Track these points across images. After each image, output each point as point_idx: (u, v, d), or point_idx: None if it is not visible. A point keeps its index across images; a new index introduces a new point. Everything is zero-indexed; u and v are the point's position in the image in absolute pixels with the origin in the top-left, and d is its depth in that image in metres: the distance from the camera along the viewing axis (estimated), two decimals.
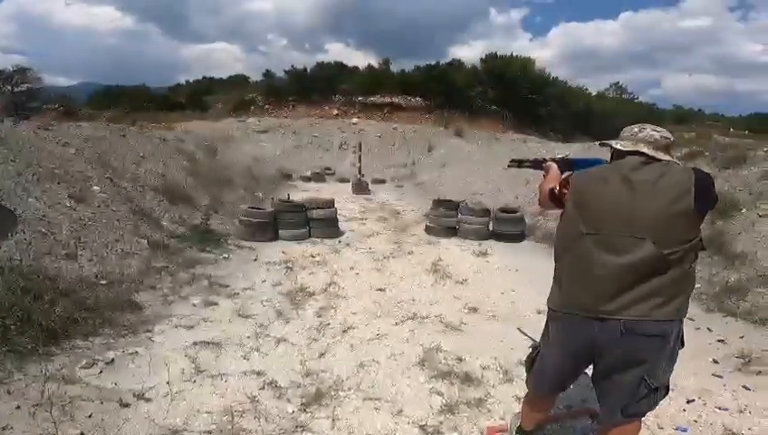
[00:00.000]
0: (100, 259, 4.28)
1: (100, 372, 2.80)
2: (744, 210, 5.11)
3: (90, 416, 2.37)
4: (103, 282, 3.93)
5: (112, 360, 2.93)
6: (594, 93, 28.07)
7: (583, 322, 1.77)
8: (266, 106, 20.86)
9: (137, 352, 3.08)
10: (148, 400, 2.58)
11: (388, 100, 20.38)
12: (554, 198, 1.97)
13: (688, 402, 2.75)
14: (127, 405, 2.51)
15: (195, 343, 3.28)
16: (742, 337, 3.66)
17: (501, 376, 3.04)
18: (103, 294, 3.69)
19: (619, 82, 30.75)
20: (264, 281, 4.77)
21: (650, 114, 26.29)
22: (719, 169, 5.97)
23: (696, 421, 2.59)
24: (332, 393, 2.77)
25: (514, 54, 23.60)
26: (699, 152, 6.63)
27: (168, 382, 2.73)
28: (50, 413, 2.24)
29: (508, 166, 2.75)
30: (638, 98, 31.81)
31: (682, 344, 1.78)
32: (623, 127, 1.97)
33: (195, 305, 3.98)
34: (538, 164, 2.36)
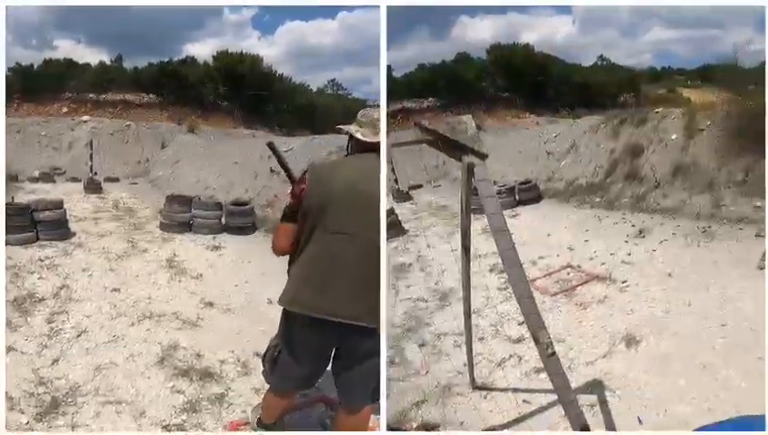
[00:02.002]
0: None
1: None
2: None
3: None
4: None
5: None
6: (315, 90, 30.10)
7: (322, 322, 1.80)
8: None
9: None
10: None
11: (120, 97, 19.72)
12: (296, 197, 1.88)
13: None
14: None
15: None
16: None
17: (239, 369, 3.25)
18: None
19: (335, 79, 33.51)
20: None
21: None
22: None
23: None
24: (70, 400, 2.74)
25: (244, 52, 24.13)
26: None
27: None
28: None
29: (267, 144, 2.48)
30: (352, 94, 35.13)
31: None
32: (341, 122, 2.00)
33: None
34: (290, 174, 2.10)
